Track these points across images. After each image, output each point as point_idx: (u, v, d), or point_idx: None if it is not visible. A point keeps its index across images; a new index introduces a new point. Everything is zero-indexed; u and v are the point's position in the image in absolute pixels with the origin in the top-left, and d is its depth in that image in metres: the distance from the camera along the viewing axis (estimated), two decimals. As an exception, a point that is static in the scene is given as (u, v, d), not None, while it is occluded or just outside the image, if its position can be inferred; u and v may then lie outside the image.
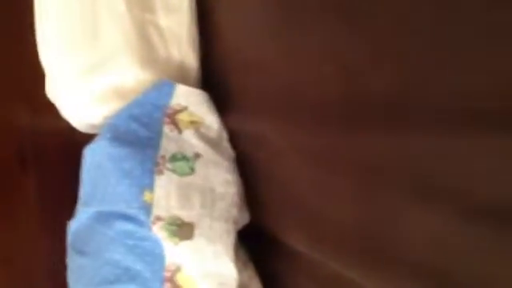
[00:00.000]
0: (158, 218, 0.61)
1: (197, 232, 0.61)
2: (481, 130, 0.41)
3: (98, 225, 0.66)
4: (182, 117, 0.66)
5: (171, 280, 0.62)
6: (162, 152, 0.64)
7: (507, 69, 0.39)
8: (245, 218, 0.67)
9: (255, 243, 0.69)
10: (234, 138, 0.68)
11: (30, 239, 0.80)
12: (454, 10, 0.42)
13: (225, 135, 0.68)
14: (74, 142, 0.75)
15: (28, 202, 0.80)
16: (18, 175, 0.79)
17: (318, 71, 0.54)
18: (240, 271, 0.64)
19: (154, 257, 0.63)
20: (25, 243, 0.79)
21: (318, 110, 0.55)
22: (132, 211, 0.62)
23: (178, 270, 0.62)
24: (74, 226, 0.70)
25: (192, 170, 0.64)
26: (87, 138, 0.71)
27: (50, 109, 0.75)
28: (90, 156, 0.67)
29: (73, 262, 0.70)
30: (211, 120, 0.67)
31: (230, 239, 0.62)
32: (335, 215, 0.55)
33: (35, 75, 0.75)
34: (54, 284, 0.75)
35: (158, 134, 0.65)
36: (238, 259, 0.64)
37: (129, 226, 0.63)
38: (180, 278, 0.62)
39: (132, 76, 0.66)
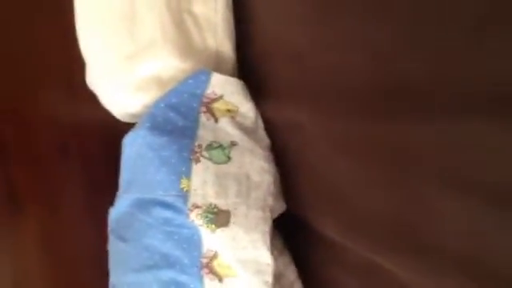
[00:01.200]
0: (195, 206, 0.61)
1: (233, 220, 0.61)
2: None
3: (138, 211, 0.67)
4: (218, 105, 0.66)
5: (208, 266, 0.63)
6: (198, 140, 0.64)
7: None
8: (281, 207, 0.67)
9: (291, 231, 0.69)
10: (268, 127, 0.67)
11: (74, 226, 0.82)
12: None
13: (261, 123, 0.68)
14: (113, 130, 0.76)
15: (72, 189, 0.83)
16: (61, 164, 0.82)
17: (351, 59, 0.53)
18: (276, 259, 0.64)
19: (192, 243, 0.64)
20: (69, 230, 0.82)
21: (351, 99, 0.54)
22: (170, 198, 0.63)
23: (215, 256, 0.63)
24: (114, 212, 0.72)
25: (228, 159, 0.64)
26: (127, 126, 0.73)
27: (90, 98, 0.77)
28: (130, 145, 0.68)
29: (113, 247, 0.72)
30: (247, 108, 0.67)
31: (265, 227, 0.62)
32: (368, 204, 0.55)
33: (75, 64, 0.77)
34: (97, 269, 0.77)
35: (195, 123, 0.66)
36: (273, 247, 0.64)
37: (167, 213, 0.64)
38: (217, 265, 0.63)
39: (169, 65, 0.67)
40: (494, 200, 0.42)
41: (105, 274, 0.74)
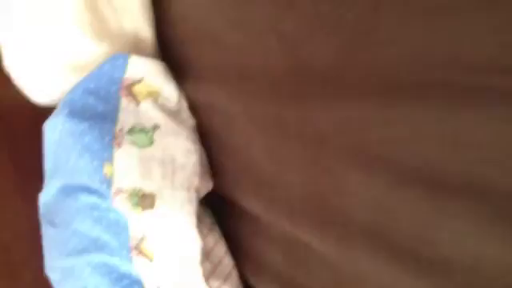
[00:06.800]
0: (120, 191, 0.62)
1: (158, 202, 0.62)
2: (404, 100, 0.42)
3: (65, 197, 0.67)
4: (139, 88, 0.66)
5: (137, 248, 0.64)
6: (120, 125, 0.64)
7: (421, 42, 0.40)
8: (207, 186, 0.68)
9: (220, 207, 0.71)
10: (192, 107, 0.68)
11: (6, 210, 0.81)
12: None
13: (184, 104, 0.68)
14: (39, 113, 0.75)
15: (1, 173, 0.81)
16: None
17: (264, 42, 0.54)
18: (205, 236, 0.66)
19: (120, 227, 0.64)
20: (1, 214, 0.81)
21: (266, 80, 0.56)
22: (94, 184, 0.63)
23: (143, 238, 0.64)
24: (43, 198, 0.72)
25: (151, 142, 0.64)
26: (52, 109, 0.71)
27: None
28: (50, 131, 0.67)
29: (45, 232, 0.72)
30: (169, 90, 0.66)
31: (191, 207, 0.63)
32: (286, 179, 0.57)
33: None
34: (32, 254, 0.76)
35: (116, 107, 0.65)
36: (203, 225, 0.66)
37: (93, 199, 0.64)
38: (145, 247, 0.64)
39: (85, 49, 0.65)
40: (399, 178, 0.45)
41: (40, 259, 0.74)
